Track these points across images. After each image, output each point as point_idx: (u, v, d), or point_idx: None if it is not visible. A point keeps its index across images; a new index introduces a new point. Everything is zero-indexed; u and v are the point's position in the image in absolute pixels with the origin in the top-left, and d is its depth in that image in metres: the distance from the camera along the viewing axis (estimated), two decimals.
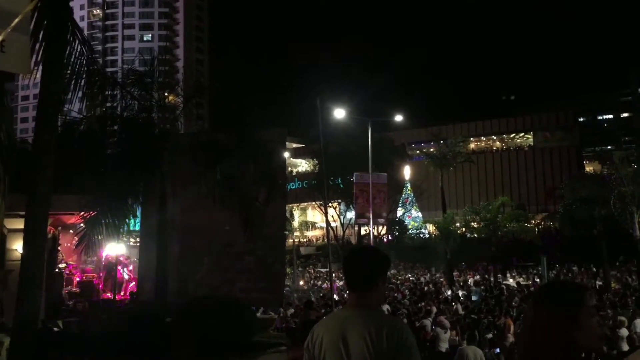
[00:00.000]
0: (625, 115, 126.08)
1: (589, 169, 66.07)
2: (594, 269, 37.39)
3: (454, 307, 20.47)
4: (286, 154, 20.55)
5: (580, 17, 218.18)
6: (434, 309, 18.76)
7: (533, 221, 49.59)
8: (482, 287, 32.08)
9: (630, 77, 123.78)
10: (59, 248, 20.08)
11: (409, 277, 42.83)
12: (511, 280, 36.44)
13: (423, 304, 21.44)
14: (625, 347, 13.30)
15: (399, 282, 39.07)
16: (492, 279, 36.67)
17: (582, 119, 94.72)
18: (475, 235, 42.12)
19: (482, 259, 42.96)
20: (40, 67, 7.67)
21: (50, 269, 16.70)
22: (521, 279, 36.83)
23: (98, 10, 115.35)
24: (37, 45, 7.50)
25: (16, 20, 2.76)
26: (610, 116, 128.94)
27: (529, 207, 55.39)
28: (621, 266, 36.98)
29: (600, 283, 31.15)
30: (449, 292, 28.96)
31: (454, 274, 39.90)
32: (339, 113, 28.53)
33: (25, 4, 3.50)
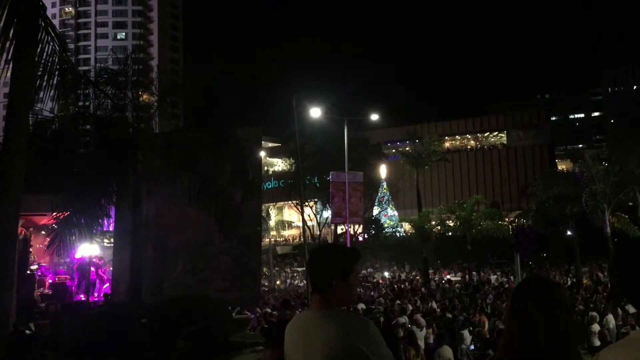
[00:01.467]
0: (597, 114, 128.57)
1: (561, 167, 67.24)
2: (566, 266, 38.03)
3: (430, 304, 20.65)
4: (262, 153, 20.52)
5: (552, 16, 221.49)
6: (410, 307, 18.88)
7: (507, 219, 50.22)
8: (458, 285, 32.43)
9: (601, 77, 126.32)
10: (31, 249, 19.73)
11: (386, 276, 43.07)
12: (493, 277, 36.90)
13: (399, 302, 21.58)
14: (597, 342, 13.55)
15: (375, 280, 39.26)
16: (467, 276, 37.06)
17: (554, 118, 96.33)
18: (450, 233, 42.48)
19: (458, 257, 43.38)
20: (11, 66, 7.55)
21: (22, 270, 16.40)
22: (495, 276, 37.31)
23: (70, 8, 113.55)
24: (8, 44, 7.37)
25: None
26: (582, 115, 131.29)
27: (502, 205, 56.06)
28: (592, 262, 37.69)
29: (572, 279, 31.71)
30: (424, 290, 29.20)
31: (429, 271, 40.23)
32: (315, 112, 28.53)
33: None
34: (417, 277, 39.65)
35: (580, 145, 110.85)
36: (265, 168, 65.14)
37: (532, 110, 79.41)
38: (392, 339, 14.24)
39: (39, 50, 8.52)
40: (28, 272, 19.11)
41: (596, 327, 14.16)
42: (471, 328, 15.17)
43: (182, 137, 13.34)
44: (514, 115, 77.04)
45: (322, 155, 43.01)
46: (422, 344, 13.99)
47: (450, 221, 40.64)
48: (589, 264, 36.94)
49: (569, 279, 32.70)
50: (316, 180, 49.49)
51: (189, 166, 12.21)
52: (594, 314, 15.11)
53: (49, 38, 8.82)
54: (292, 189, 46.71)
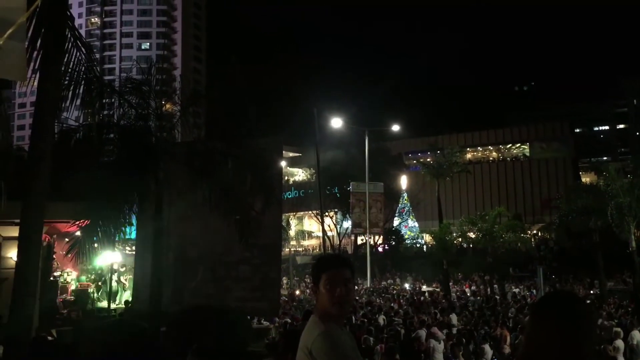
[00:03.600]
0: (621, 126, 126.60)
1: (585, 179, 66.26)
2: (590, 280, 37.38)
3: (450, 318, 20.42)
4: (283, 163, 20.54)
5: (576, 27, 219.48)
6: (428, 320, 18.68)
7: (529, 232, 49.61)
8: (479, 297, 32.05)
9: (626, 88, 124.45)
10: (54, 256, 19.99)
11: (406, 287, 42.74)
12: (516, 290, 36.41)
13: (418, 314, 21.39)
14: (621, 358, 13.26)
15: (395, 292, 38.97)
16: (488, 289, 36.62)
17: (578, 130, 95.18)
18: (472, 245, 42.05)
19: (479, 269, 42.92)
20: (38, 75, 7.67)
21: (45, 277, 16.62)
22: (517, 289, 36.78)
23: (96, 19, 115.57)
24: (35, 53, 7.50)
25: (11, 29, 2.76)
26: (606, 127, 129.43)
27: (525, 218, 55.44)
28: (616, 276, 37.00)
29: (597, 292, 31.15)
30: (445, 302, 28.89)
31: (450, 283, 39.85)
32: (336, 122, 28.60)
33: (23, 11, 3.50)
34: (438, 289, 39.27)
35: (605, 158, 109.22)
36: (286, 178, 65.31)
37: (556, 121, 78.57)
38: (411, 351, 14.12)
39: (65, 59, 8.66)
40: (51, 278, 19.37)
41: (620, 343, 13.85)
42: (492, 342, 14.96)
43: (204, 146, 13.41)
44: (537, 127, 76.34)
45: (343, 166, 42.98)
46: (440, 357, 13.84)
47: (472, 233, 40.25)
48: (613, 279, 36.27)
49: (592, 292, 32.11)
50: (336, 191, 49.45)
51: (210, 175, 12.27)
52: (618, 329, 14.79)
53: (76, 48, 8.97)
54: (313, 198, 46.68)
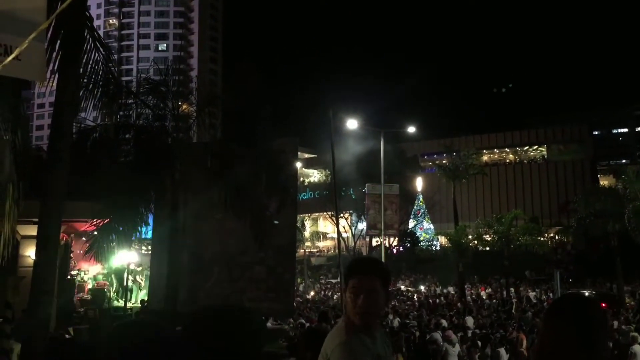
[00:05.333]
0: None
1: (603, 182, 65.47)
2: (608, 284, 36.94)
3: (465, 320, 20.30)
4: (298, 164, 20.57)
5: (595, 30, 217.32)
6: (443, 322, 18.59)
7: (546, 235, 49.11)
8: (495, 300, 31.82)
9: None
10: (71, 255, 20.19)
11: (421, 290, 42.58)
12: (532, 294, 36.12)
13: (433, 317, 21.29)
14: None
15: (410, 294, 38.84)
16: (504, 292, 36.36)
17: (596, 132, 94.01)
18: (488, 248, 41.80)
19: (495, 272, 42.62)
20: (57, 75, 7.74)
21: (62, 275, 16.79)
22: (534, 293, 36.49)
23: (114, 20, 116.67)
24: (55, 54, 7.57)
25: (34, 33, 2.78)
26: (625, 130, 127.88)
27: (542, 221, 54.90)
28: (635, 281, 36.56)
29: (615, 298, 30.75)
30: (460, 305, 28.73)
31: (466, 286, 39.61)
32: (352, 124, 28.55)
33: (43, 12, 3.54)
34: (453, 292, 39.07)
35: (624, 161, 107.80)
36: (301, 179, 65.36)
37: (574, 124, 77.70)
38: (425, 353, 14.05)
39: (84, 60, 8.74)
40: (68, 277, 19.56)
41: (637, 348, 13.66)
42: (508, 346, 14.84)
43: (219, 147, 13.46)
44: (555, 129, 75.54)
45: (358, 167, 42.92)
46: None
47: (488, 236, 39.99)
48: (631, 283, 35.84)
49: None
50: (352, 192, 49.39)
51: (225, 176, 12.31)
52: (635, 334, 14.58)
53: (95, 49, 9.05)
54: (328, 200, 46.64)
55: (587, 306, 2.24)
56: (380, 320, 3.00)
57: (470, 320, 20.31)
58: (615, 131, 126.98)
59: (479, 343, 14.78)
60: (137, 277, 23.63)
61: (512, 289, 37.63)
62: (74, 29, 7.86)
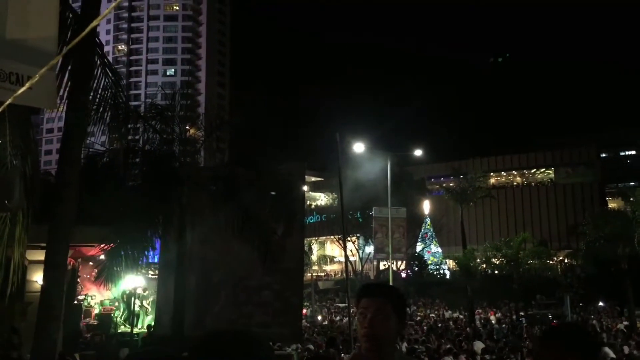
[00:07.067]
0: None
1: (612, 205, 65.07)
2: (618, 308, 36.47)
3: (474, 345, 20.03)
4: (305, 188, 20.58)
5: (603, 50, 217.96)
6: (450, 347, 18.37)
7: (555, 258, 48.73)
8: (504, 325, 31.45)
9: None
10: (78, 280, 20.16)
11: (429, 314, 42.15)
12: None
13: (442, 341, 21.04)
14: None
15: (418, 318, 38.45)
16: (514, 316, 35.96)
17: (604, 155, 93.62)
18: (497, 271, 41.48)
19: (504, 296, 42.23)
20: (67, 101, 7.83)
21: (69, 300, 16.75)
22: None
23: (123, 46, 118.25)
24: (65, 80, 7.66)
25: (46, 67, 2.83)
26: (633, 152, 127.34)
27: (551, 244, 54.52)
28: None
29: (626, 323, 30.34)
30: (469, 330, 28.38)
31: (477, 311, 39.21)
32: (359, 147, 28.60)
33: (54, 41, 3.60)
34: (461, 317, 38.66)
35: (632, 183, 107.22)
36: (308, 202, 65.35)
37: (581, 146, 77.60)
38: None
39: (94, 86, 8.84)
40: (75, 302, 19.51)
41: None
42: None
43: (227, 171, 13.51)
44: (562, 152, 75.37)
45: (365, 190, 42.91)
46: None
47: (496, 259, 39.72)
48: None
49: (622, 322, 31.27)
50: (359, 215, 49.31)
51: (233, 200, 12.34)
52: None
53: (104, 74, 9.16)
54: (335, 223, 46.57)
55: (579, 336, 2.31)
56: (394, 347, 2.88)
57: (479, 345, 20.05)
58: (623, 153, 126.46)
59: None
60: (144, 302, 23.54)
61: (522, 313, 37.23)
62: (84, 56, 7.96)
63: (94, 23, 2.84)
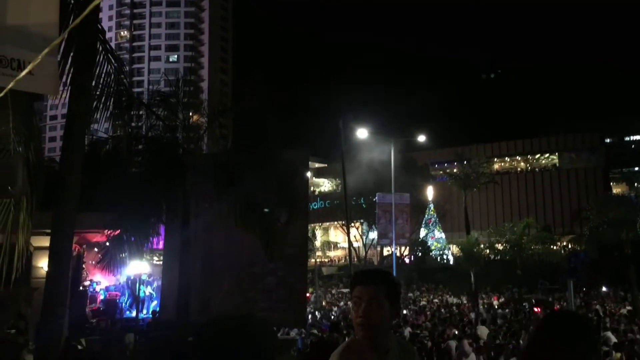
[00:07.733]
0: None
1: (616, 190, 65.01)
2: (622, 293, 36.55)
3: (478, 331, 20.10)
4: (308, 174, 20.62)
5: (608, 38, 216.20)
6: (455, 332, 18.45)
7: (559, 243, 48.76)
8: (507, 310, 31.52)
9: None
10: (84, 266, 20.28)
11: (433, 299, 42.29)
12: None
13: (446, 327, 21.12)
14: None
15: (421, 304, 38.59)
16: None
17: (608, 140, 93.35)
18: (500, 257, 41.54)
19: (507, 282, 42.34)
20: (69, 87, 7.82)
21: (75, 286, 16.87)
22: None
23: (125, 32, 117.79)
24: (67, 66, 7.65)
25: (47, 49, 2.82)
26: (638, 137, 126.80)
27: (554, 229, 54.53)
28: None
29: (630, 308, 30.40)
30: (473, 315, 28.48)
31: (483, 296, 39.32)
32: (362, 133, 28.56)
33: (55, 27, 3.58)
34: (465, 302, 38.79)
35: (636, 168, 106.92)
36: (312, 188, 65.43)
37: (586, 131, 77.35)
38: None
39: (97, 72, 8.82)
40: (81, 288, 19.65)
41: None
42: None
43: (230, 158, 13.50)
44: (566, 137, 75.10)
45: (369, 176, 42.91)
46: None
47: (500, 245, 39.78)
48: None
49: (625, 307, 31.33)
50: (362, 201, 49.35)
51: (236, 187, 12.34)
52: None
53: (107, 61, 9.14)
54: (338, 209, 46.63)
55: (576, 324, 2.30)
56: (393, 332, 2.86)
57: (483, 330, 20.12)
58: (627, 138, 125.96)
59: (492, 353, 14.66)
60: (149, 288, 23.67)
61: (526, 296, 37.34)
62: (87, 42, 7.94)
63: (97, 1, 2.82)
